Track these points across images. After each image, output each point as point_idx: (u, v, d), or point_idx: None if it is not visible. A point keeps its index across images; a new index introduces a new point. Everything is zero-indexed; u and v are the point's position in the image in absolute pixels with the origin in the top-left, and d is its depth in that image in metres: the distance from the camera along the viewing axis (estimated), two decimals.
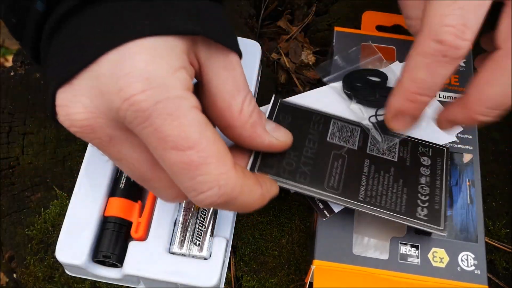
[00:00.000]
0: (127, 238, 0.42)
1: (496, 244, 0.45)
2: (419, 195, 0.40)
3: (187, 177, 0.30)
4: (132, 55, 0.28)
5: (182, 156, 0.29)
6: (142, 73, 0.28)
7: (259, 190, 0.35)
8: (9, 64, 0.86)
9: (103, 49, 0.29)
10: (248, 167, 0.39)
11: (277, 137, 0.37)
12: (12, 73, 0.53)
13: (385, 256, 0.40)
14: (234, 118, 0.34)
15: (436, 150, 0.43)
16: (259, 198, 0.35)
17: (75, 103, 0.30)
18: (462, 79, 0.47)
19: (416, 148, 0.43)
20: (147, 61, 0.28)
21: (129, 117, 0.29)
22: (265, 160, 0.40)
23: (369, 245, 0.41)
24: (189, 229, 0.41)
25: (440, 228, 0.39)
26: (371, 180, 0.40)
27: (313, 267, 0.39)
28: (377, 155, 0.42)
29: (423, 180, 0.41)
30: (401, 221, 0.39)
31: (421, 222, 0.39)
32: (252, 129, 0.35)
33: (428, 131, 0.44)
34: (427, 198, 0.40)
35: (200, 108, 0.30)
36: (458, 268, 0.40)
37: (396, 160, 0.42)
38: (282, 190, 0.39)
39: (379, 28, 0.51)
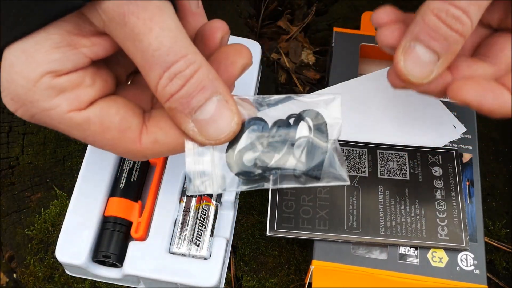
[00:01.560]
0: (127, 238, 0.42)
1: (496, 244, 0.45)
2: (437, 213, 0.41)
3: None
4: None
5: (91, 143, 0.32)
6: (8, 93, 0.29)
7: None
8: None
9: None
10: (267, 229, 0.40)
11: (204, 134, 0.30)
12: None
13: (384, 256, 0.40)
14: (155, 93, 0.29)
15: (445, 156, 0.43)
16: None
17: None
18: None
19: (425, 158, 0.43)
20: (7, 80, 0.28)
21: None
22: (281, 215, 0.41)
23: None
24: (189, 229, 0.41)
25: (463, 245, 0.40)
26: (388, 209, 0.41)
27: (312, 267, 0.39)
28: (389, 177, 0.42)
29: (438, 194, 0.42)
30: (425, 246, 0.40)
31: (443, 244, 0.40)
32: (170, 113, 0.30)
33: (428, 135, 0.44)
34: (445, 215, 0.41)
35: (79, 104, 0.29)
36: (458, 268, 0.40)
37: (408, 178, 0.42)
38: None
39: None
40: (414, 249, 0.40)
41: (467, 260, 0.40)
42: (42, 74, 0.28)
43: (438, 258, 0.40)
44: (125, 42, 0.28)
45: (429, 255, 0.40)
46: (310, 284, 0.40)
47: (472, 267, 0.40)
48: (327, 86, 0.47)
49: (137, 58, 0.28)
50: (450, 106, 0.45)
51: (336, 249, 0.40)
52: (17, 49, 0.28)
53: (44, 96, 0.29)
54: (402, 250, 0.40)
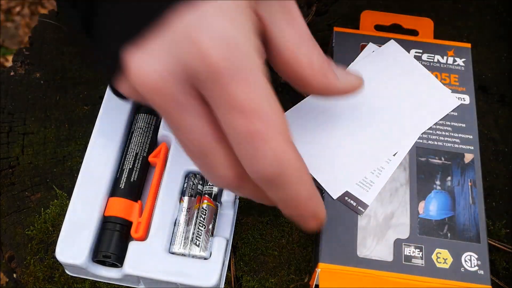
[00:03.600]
0: (127, 238, 0.42)
1: (496, 244, 0.45)
2: None
3: (249, 147, 0.29)
4: (210, 18, 0.28)
5: (248, 124, 0.28)
6: (223, 39, 0.28)
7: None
8: (9, 64, 0.86)
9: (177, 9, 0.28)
10: None
11: (349, 81, 0.38)
12: (12, 73, 0.53)
13: (389, 258, 0.40)
14: (304, 70, 0.34)
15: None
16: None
17: (149, 63, 0.29)
18: (461, 79, 0.47)
19: None
20: (226, 26, 0.28)
21: (204, 82, 0.28)
22: None
23: (374, 247, 0.41)
24: (189, 229, 0.41)
25: None
26: None
27: (318, 270, 0.39)
28: None
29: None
30: None
31: None
32: (324, 79, 0.36)
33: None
34: None
35: (267, 76, 0.29)
36: (462, 269, 0.40)
37: None
38: None
39: (378, 27, 0.51)
40: (418, 250, 0.40)
41: (471, 261, 0.40)
42: (253, 29, 0.30)
43: (442, 259, 0.40)
44: (283, 26, 0.34)
45: (433, 256, 0.40)
46: (316, 286, 0.40)
47: (476, 268, 0.40)
48: None
49: (292, 37, 0.35)
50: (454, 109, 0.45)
51: (342, 251, 0.40)
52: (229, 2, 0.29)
53: (255, 51, 0.29)
54: (407, 251, 0.40)
